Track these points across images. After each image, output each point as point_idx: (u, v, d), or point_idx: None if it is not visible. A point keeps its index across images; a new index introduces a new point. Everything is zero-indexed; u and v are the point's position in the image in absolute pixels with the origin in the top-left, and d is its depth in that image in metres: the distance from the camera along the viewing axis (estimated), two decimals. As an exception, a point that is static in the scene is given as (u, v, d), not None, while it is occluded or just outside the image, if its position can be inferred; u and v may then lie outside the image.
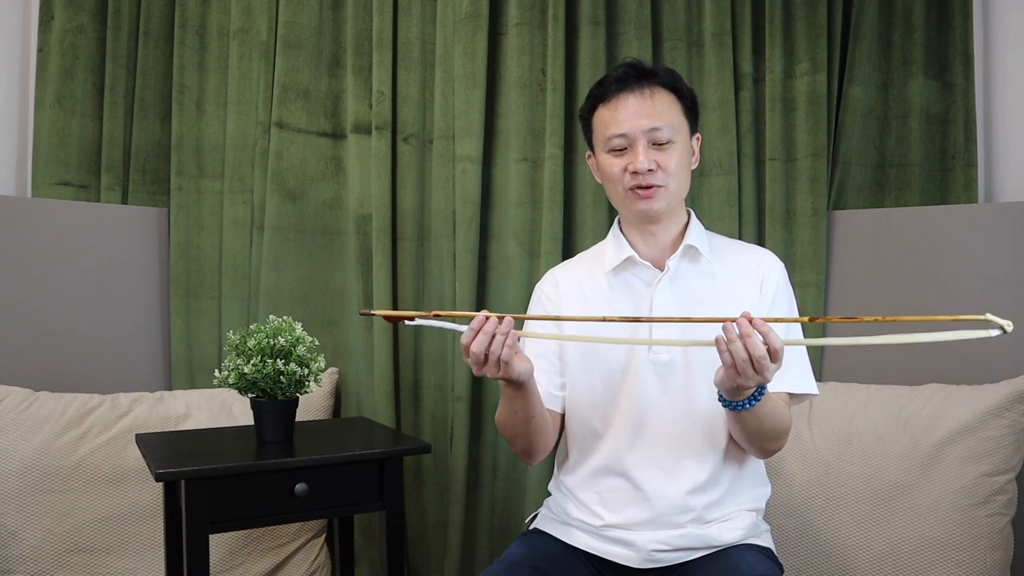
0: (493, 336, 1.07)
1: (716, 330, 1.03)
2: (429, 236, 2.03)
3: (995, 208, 1.83)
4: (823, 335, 1.92)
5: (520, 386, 1.17)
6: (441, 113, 1.99)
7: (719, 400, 1.12)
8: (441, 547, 2.01)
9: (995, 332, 0.91)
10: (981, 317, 0.91)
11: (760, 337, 1.00)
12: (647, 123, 1.23)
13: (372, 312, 1.10)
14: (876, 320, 0.94)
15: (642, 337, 1.26)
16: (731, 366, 1.02)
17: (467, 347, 1.08)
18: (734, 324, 1.01)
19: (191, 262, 1.98)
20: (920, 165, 1.95)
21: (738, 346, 1.00)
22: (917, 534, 1.55)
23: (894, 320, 0.94)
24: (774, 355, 1.00)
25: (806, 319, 1.08)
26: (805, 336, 1.34)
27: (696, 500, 1.22)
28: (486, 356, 1.08)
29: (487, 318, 1.07)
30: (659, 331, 1.25)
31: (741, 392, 1.06)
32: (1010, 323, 0.90)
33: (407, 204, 2.01)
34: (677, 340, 1.18)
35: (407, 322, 1.09)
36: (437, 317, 1.09)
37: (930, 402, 1.64)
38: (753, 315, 1.23)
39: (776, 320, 1.04)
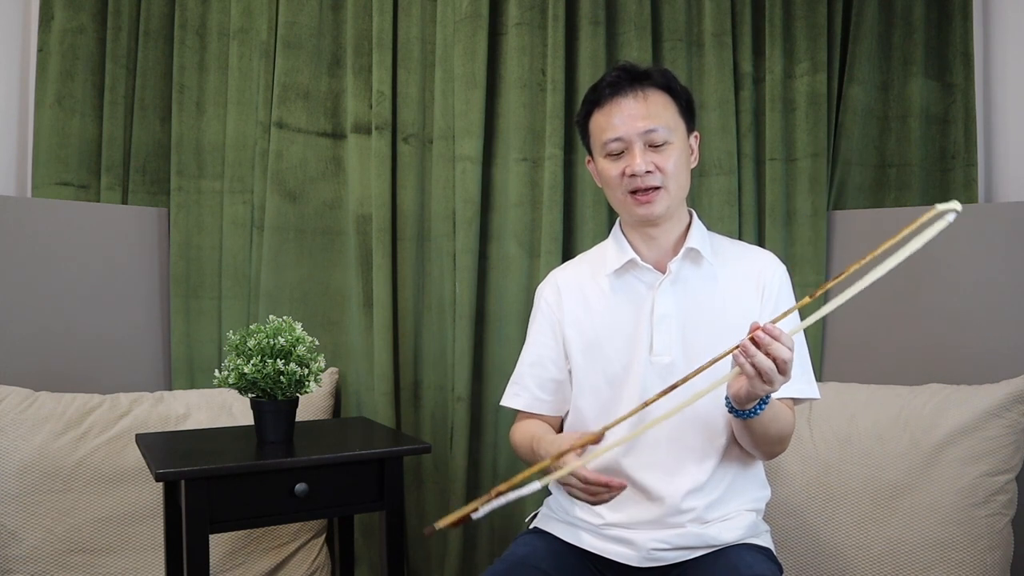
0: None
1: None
2: (429, 236, 2.03)
3: (995, 208, 1.83)
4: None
5: None
6: (441, 113, 1.99)
7: (728, 410, 1.13)
8: (441, 547, 2.01)
9: (951, 216, 0.95)
10: (933, 212, 0.95)
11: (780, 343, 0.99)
12: (642, 125, 1.23)
13: (436, 527, 0.91)
14: (850, 270, 1.00)
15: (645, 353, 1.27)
16: (755, 376, 1.01)
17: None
18: (749, 342, 1.00)
19: (191, 262, 1.98)
20: (920, 165, 1.95)
21: (760, 358, 0.99)
22: (917, 534, 1.55)
23: (862, 263, 0.99)
24: (782, 366, 1.00)
25: (797, 307, 1.03)
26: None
27: (695, 501, 1.22)
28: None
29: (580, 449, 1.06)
30: (661, 345, 1.26)
31: (752, 401, 1.08)
32: (957, 202, 0.95)
33: (407, 204, 2.01)
34: (682, 403, 1.05)
35: (474, 515, 0.89)
36: (500, 495, 0.90)
37: (930, 402, 1.64)
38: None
39: (778, 319, 1.01)
